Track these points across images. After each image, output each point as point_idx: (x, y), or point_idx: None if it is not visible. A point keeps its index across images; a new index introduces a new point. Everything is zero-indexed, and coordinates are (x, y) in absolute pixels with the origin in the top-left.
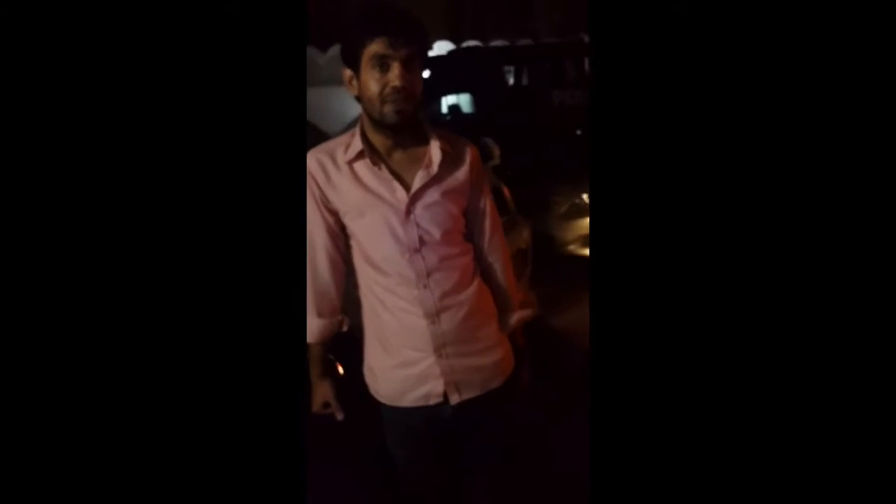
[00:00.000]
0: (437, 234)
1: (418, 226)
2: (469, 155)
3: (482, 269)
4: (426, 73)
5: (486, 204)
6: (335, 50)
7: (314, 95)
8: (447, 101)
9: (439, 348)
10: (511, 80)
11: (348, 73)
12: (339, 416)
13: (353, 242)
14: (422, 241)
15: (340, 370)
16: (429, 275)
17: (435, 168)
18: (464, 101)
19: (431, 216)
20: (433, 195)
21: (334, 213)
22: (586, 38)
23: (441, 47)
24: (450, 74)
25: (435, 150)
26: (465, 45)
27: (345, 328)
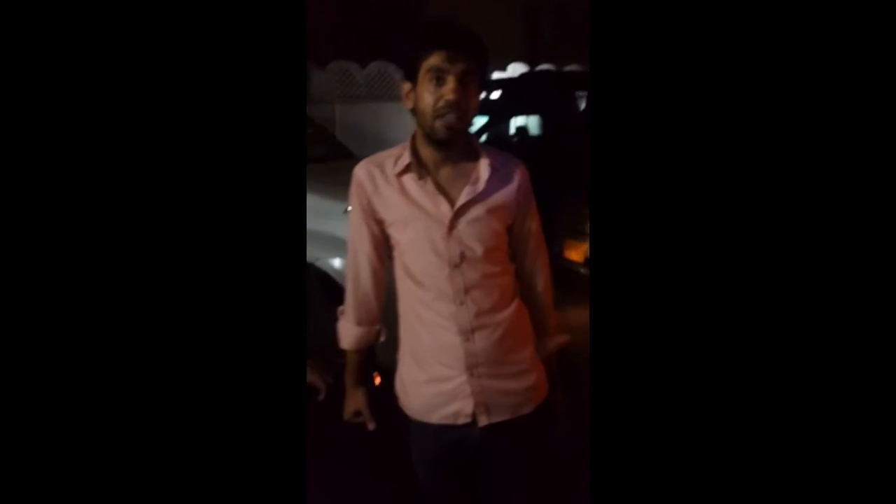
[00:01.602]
0: (478, 250)
1: (460, 241)
2: (518, 174)
3: (523, 290)
4: (496, 94)
5: (533, 224)
6: (374, 66)
7: (350, 112)
8: (515, 123)
9: (471, 367)
10: (582, 106)
11: (407, 86)
12: (371, 426)
13: (395, 253)
14: (462, 257)
15: (377, 380)
16: (467, 291)
17: (482, 185)
18: (532, 123)
19: (474, 232)
20: (478, 211)
21: (380, 223)
22: None
23: (515, 69)
24: (521, 96)
25: (483, 166)
26: (539, 68)
27: (382, 338)
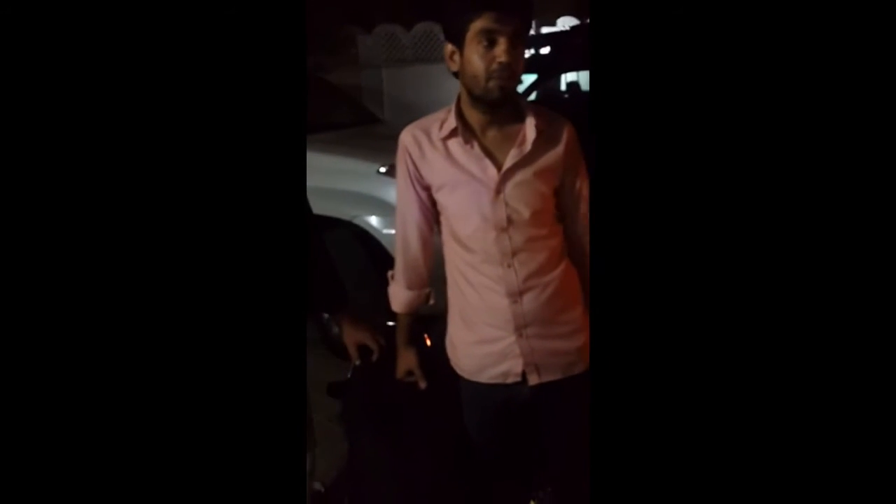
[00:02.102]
0: (526, 213)
1: (507, 204)
2: (566, 134)
3: (572, 251)
4: (546, 50)
5: (582, 185)
6: (419, 28)
7: (397, 75)
8: (567, 79)
9: (520, 328)
10: None
11: (450, 48)
12: (422, 385)
13: (442, 218)
14: (510, 221)
15: (428, 342)
16: (514, 254)
17: (528, 146)
18: (584, 78)
19: (521, 195)
20: (525, 174)
21: (427, 189)
22: None
23: (564, 22)
24: (571, 50)
25: (530, 127)
26: (587, 20)
27: (431, 301)
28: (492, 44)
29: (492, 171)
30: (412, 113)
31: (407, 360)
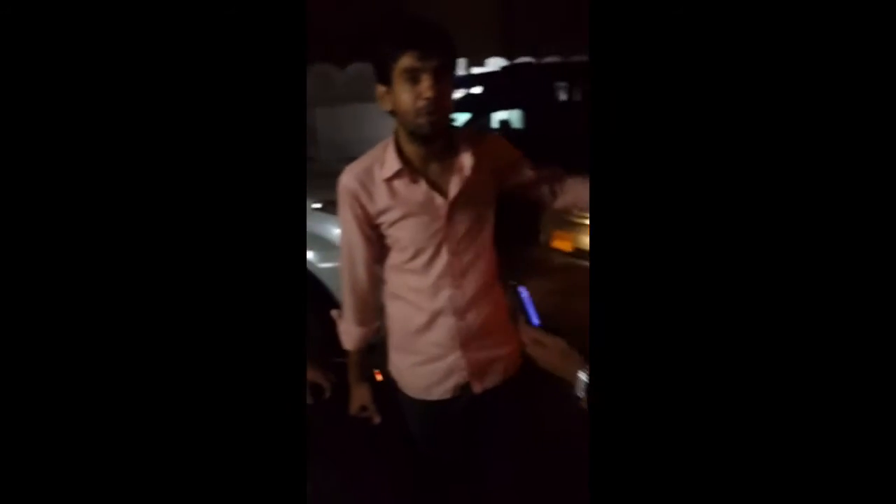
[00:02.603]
0: (473, 236)
1: (456, 230)
2: (494, 146)
3: (546, 194)
4: (477, 89)
5: (528, 167)
6: (353, 68)
7: (330, 113)
8: (498, 117)
9: (465, 343)
10: (563, 97)
11: (381, 88)
12: (376, 420)
13: (392, 252)
14: (459, 244)
15: (379, 377)
16: (463, 275)
17: (467, 172)
18: (515, 116)
19: (467, 219)
20: (469, 198)
21: (375, 228)
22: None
23: (493, 63)
24: (501, 90)
25: (466, 155)
26: (517, 61)
27: (381, 334)
28: (416, 81)
29: (439, 200)
30: (344, 151)
31: (360, 396)
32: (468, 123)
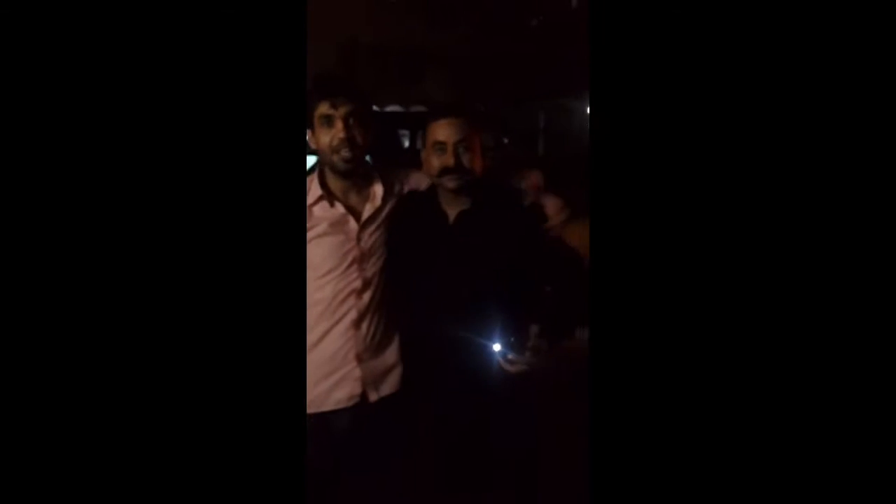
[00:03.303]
0: (377, 254)
1: (363, 248)
2: (405, 180)
3: None
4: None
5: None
6: None
7: None
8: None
9: (360, 354)
10: (406, 144)
11: (308, 132)
12: None
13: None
14: (363, 260)
15: None
16: (365, 288)
17: (378, 201)
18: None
19: (375, 240)
20: (377, 223)
21: None
22: (482, 108)
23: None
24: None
25: (377, 186)
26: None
27: None
28: (330, 124)
29: (352, 223)
30: None
31: None
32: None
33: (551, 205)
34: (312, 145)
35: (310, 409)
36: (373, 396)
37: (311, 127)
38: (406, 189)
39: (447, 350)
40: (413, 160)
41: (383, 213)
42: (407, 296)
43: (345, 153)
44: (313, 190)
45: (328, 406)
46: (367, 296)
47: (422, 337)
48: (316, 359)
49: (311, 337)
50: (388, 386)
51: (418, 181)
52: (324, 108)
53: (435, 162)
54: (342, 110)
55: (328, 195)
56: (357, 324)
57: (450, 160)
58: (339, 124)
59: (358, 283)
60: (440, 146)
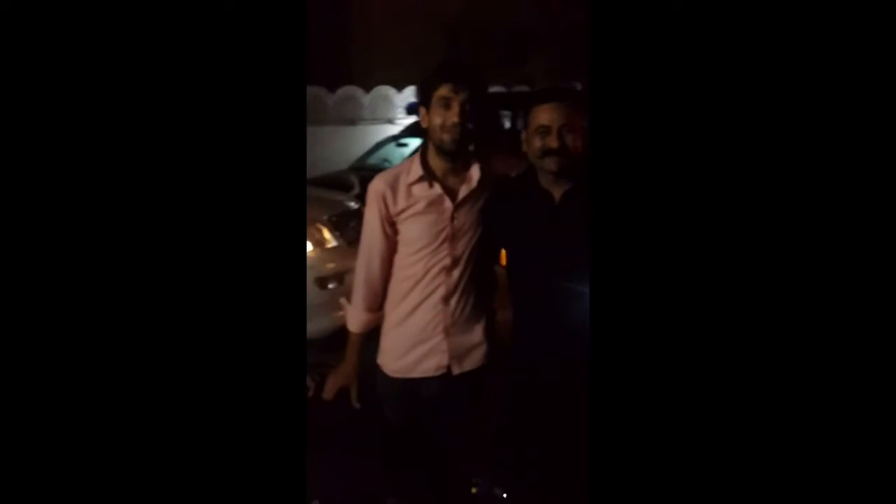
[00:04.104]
0: (468, 234)
1: (455, 227)
2: (503, 161)
3: None
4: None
5: None
6: (344, 91)
7: (320, 133)
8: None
9: (448, 328)
10: (507, 125)
11: (423, 109)
12: (356, 404)
13: (401, 246)
14: (455, 238)
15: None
16: (454, 265)
17: (474, 183)
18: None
19: (467, 220)
20: (471, 204)
21: (393, 226)
22: (579, 87)
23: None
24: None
25: (475, 169)
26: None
27: (378, 326)
28: (448, 107)
29: (448, 203)
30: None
31: (346, 377)
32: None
33: None
34: (424, 124)
35: (399, 376)
36: (456, 370)
37: (426, 106)
38: (503, 171)
39: (547, 330)
40: (513, 141)
41: (478, 195)
42: (512, 273)
43: (455, 135)
44: (414, 170)
45: (416, 374)
46: (456, 273)
47: (523, 315)
48: (407, 330)
49: (402, 309)
50: (472, 361)
51: (515, 164)
52: (444, 91)
53: (538, 144)
54: (462, 95)
55: (429, 175)
56: (446, 299)
57: (553, 143)
58: (456, 108)
59: (448, 261)
60: (544, 129)
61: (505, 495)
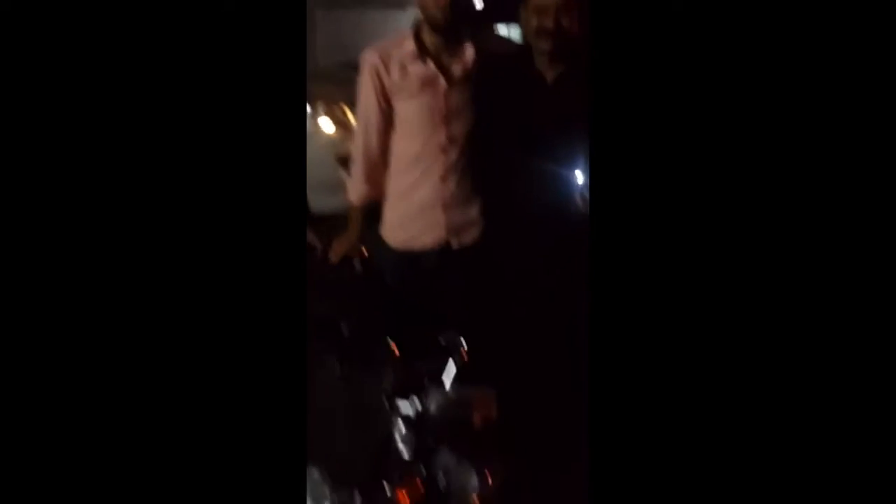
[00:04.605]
0: (467, 116)
1: (450, 104)
2: (500, 46)
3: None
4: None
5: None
6: None
7: (331, 18)
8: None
9: (446, 205)
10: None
11: None
12: (359, 269)
13: (397, 122)
14: (451, 115)
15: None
16: (451, 142)
17: (469, 62)
18: (514, 32)
19: (463, 101)
20: (466, 84)
21: (387, 99)
22: None
23: None
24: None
25: (469, 48)
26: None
27: (379, 199)
28: None
29: (442, 82)
30: (343, 57)
31: (350, 244)
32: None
33: None
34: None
35: (400, 247)
36: (455, 244)
37: None
38: (498, 51)
39: (536, 206)
40: (510, 19)
41: (473, 74)
42: (504, 151)
43: (447, 12)
44: (407, 44)
45: (416, 246)
46: (453, 152)
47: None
48: (407, 205)
49: (403, 184)
50: (469, 237)
51: (508, 44)
52: None
53: (534, 22)
54: None
55: (422, 51)
56: (444, 178)
57: (550, 22)
58: None
59: (444, 140)
60: (541, 7)
61: (465, 346)
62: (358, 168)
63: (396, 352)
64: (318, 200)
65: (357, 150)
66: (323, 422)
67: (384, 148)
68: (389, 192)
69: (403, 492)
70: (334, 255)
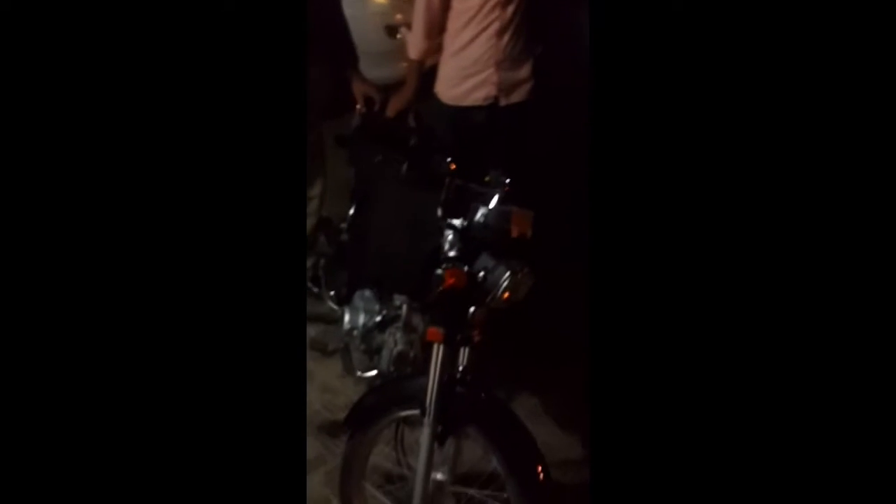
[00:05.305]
0: None
1: None
2: None
3: None
4: None
5: None
6: None
7: None
8: None
9: (499, 62)
10: None
11: None
12: (412, 124)
13: None
14: None
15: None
16: (509, 2)
17: None
18: None
19: None
20: None
21: None
22: None
23: None
24: None
25: None
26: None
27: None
28: None
29: None
30: None
31: (406, 100)
32: None
33: None
34: None
35: (452, 103)
36: (503, 101)
37: None
38: None
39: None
40: None
41: None
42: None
43: None
44: None
45: (467, 102)
46: (510, 9)
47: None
48: (461, 61)
49: (459, 41)
50: (519, 95)
51: None
52: None
53: None
54: None
55: None
56: (500, 34)
57: None
58: None
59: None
60: None
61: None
62: (418, 24)
63: (453, 165)
64: (369, 69)
65: (419, 6)
66: (382, 233)
67: (445, 5)
68: (446, 49)
69: (449, 272)
70: (391, 109)
